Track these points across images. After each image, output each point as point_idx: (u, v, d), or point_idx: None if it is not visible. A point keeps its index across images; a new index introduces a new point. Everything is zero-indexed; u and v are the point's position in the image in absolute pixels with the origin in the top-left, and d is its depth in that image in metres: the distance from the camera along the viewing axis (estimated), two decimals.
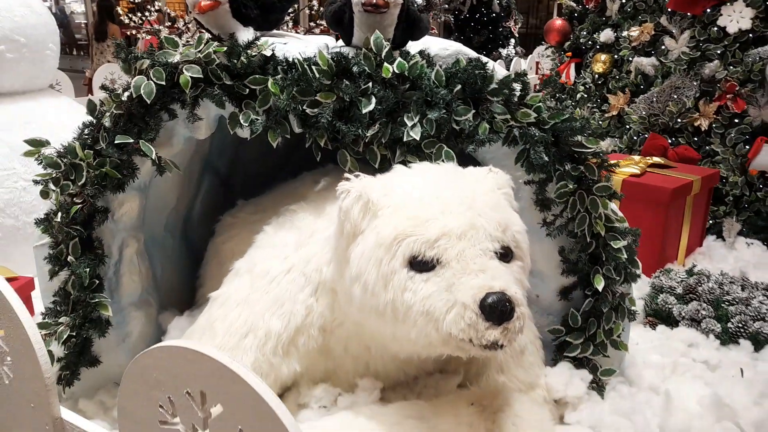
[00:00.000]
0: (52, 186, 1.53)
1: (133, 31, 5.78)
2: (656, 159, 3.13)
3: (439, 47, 1.72)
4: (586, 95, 3.92)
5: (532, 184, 1.69)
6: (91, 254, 1.55)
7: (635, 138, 3.58)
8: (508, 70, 6.28)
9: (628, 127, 3.63)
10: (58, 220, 1.50)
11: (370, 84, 1.54)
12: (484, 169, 1.44)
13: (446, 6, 5.49)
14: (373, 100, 1.53)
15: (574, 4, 4.11)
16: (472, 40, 6.34)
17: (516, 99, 1.62)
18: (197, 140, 1.71)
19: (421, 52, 1.63)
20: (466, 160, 1.62)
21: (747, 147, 3.26)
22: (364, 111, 1.52)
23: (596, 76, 3.85)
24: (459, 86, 1.60)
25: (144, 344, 1.75)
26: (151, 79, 1.48)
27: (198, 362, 0.72)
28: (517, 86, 1.62)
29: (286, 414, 0.66)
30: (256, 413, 0.67)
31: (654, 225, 2.76)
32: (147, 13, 5.76)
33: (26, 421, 0.99)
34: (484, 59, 1.66)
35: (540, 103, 1.63)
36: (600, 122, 3.77)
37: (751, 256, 3.06)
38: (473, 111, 1.60)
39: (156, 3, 5.84)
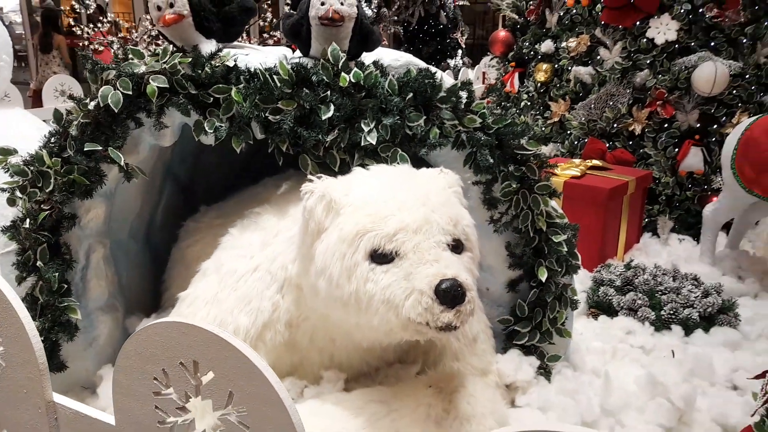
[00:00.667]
0: (19, 194, 1.57)
1: (85, 42, 5.70)
2: (595, 162, 3.34)
3: (392, 58, 1.85)
4: (529, 103, 4.14)
5: (480, 184, 1.82)
6: (59, 259, 1.59)
7: (576, 143, 3.80)
8: (456, 79, 6.50)
9: (569, 132, 3.85)
10: (26, 226, 1.54)
11: (329, 92, 1.64)
12: (436, 170, 1.56)
13: (395, 18, 5.65)
14: (332, 107, 1.64)
15: (517, 17, 4.33)
16: (421, 51, 6.52)
17: (463, 106, 1.76)
18: (160, 148, 1.77)
19: (375, 63, 1.74)
20: (419, 162, 1.74)
21: (676, 150, 3.52)
22: (323, 117, 1.62)
23: (539, 84, 4.07)
24: (411, 94, 1.72)
25: (111, 348, 1.79)
26: (118, 89, 1.54)
27: (190, 334, 0.80)
28: (464, 94, 1.76)
29: (272, 375, 0.75)
30: (244, 376, 0.76)
31: (594, 223, 2.96)
32: (99, 24, 5.70)
33: (20, 405, 1.04)
34: (434, 69, 1.79)
35: (485, 110, 1.77)
36: (543, 128, 3.98)
37: (682, 251, 3.30)
38: (424, 117, 1.72)
39: (108, 14, 5.78)
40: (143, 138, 1.66)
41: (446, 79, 1.80)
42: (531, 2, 4.20)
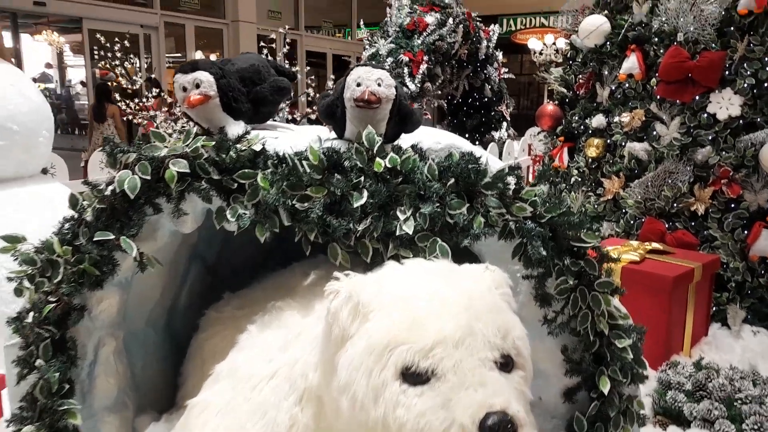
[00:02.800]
0: (26, 283, 1.46)
1: (129, 116, 5.89)
2: (655, 245, 3.08)
3: (432, 141, 1.71)
4: (580, 179, 3.93)
5: (531, 278, 1.62)
6: (63, 356, 1.45)
7: (632, 222, 3.56)
8: (502, 151, 6.38)
9: (624, 211, 3.61)
10: (30, 320, 1.42)
11: (362, 178, 1.50)
12: (481, 267, 1.37)
13: (439, 92, 5.63)
14: (365, 193, 1.49)
15: (565, 90, 4.20)
16: (465, 123, 6.47)
17: (510, 192, 1.58)
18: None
19: (413, 146, 1.60)
20: (462, 253, 1.56)
21: (746, 232, 3.23)
22: (355, 205, 1.47)
23: (590, 160, 3.88)
24: (452, 180, 1.56)
25: None
26: (137, 174, 1.44)
27: None
28: (512, 180, 1.59)
29: None
30: None
31: (657, 314, 2.68)
32: (144, 99, 5.90)
33: None
34: (478, 152, 1.64)
35: (535, 197, 1.59)
36: (596, 206, 3.76)
37: (757, 345, 2.96)
38: (467, 205, 1.56)
39: (153, 89, 5.99)
40: (162, 224, 1.54)
41: (493, 163, 1.63)
42: (580, 76, 4.08)
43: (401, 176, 1.56)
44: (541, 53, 13.94)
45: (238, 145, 1.48)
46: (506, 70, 6.59)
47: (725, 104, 3.29)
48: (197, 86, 1.50)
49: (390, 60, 4.74)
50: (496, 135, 6.62)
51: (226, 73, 1.60)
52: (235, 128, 1.54)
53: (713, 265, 3.03)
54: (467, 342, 1.12)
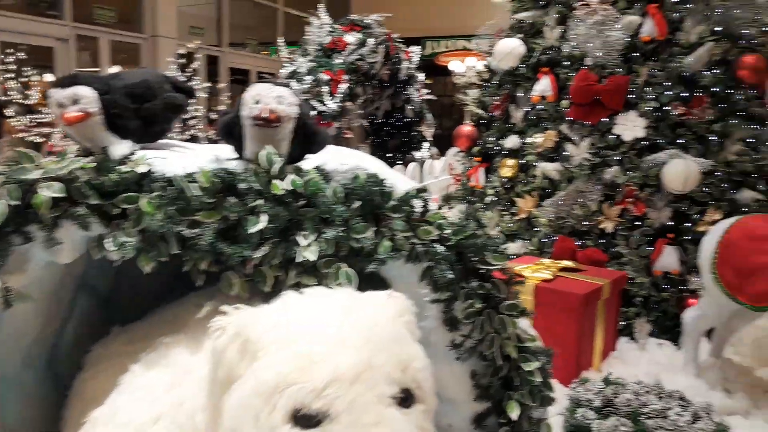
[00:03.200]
0: None
1: (21, 133, 5.50)
2: (566, 262, 3.15)
3: (338, 162, 1.64)
4: (495, 198, 3.99)
5: (439, 302, 1.58)
6: None
7: (545, 240, 3.63)
8: (423, 171, 6.43)
9: (536, 230, 3.68)
10: None
11: (260, 201, 1.41)
12: (384, 294, 1.31)
13: (361, 112, 5.62)
14: (263, 218, 1.40)
15: (482, 111, 4.27)
16: (386, 143, 6.48)
17: (417, 215, 1.54)
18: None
19: (317, 168, 1.54)
20: (370, 278, 1.50)
21: (650, 248, 3.36)
22: (251, 230, 1.38)
23: (504, 179, 3.95)
24: (358, 202, 1.50)
25: None
26: (4, 199, 1.29)
27: None
28: (418, 202, 1.55)
29: None
30: None
31: (568, 331, 2.72)
32: (37, 114, 5.53)
33: None
34: (384, 174, 1.59)
35: (442, 220, 1.55)
36: (510, 225, 3.82)
37: (663, 357, 3.07)
38: (373, 228, 1.50)
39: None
40: (34, 254, 1.39)
41: (400, 185, 1.59)
42: (496, 97, 4.16)
43: (304, 199, 1.48)
44: (462, 75, 14.30)
45: (121, 167, 1.36)
46: (427, 91, 6.68)
47: (630, 126, 3.43)
48: (75, 102, 1.37)
49: (310, 78, 4.68)
50: (417, 155, 6.67)
51: (112, 88, 1.48)
52: (120, 148, 1.42)
53: (621, 282, 3.12)
54: (364, 377, 1.04)
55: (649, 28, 3.35)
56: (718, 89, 3.30)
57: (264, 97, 1.48)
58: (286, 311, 1.18)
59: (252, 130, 1.49)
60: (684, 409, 2.22)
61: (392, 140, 6.66)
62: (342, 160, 1.68)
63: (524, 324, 1.68)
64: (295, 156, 1.58)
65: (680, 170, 3.15)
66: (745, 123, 3.33)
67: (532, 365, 1.60)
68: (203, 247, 1.34)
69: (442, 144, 8.66)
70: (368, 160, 1.74)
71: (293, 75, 4.73)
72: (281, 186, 1.43)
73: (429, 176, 6.43)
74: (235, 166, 1.48)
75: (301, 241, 1.43)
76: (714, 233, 2.59)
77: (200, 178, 1.37)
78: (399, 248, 1.51)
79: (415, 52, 6.17)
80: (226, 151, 1.68)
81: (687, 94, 3.31)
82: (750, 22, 3.28)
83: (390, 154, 7.05)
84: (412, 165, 5.95)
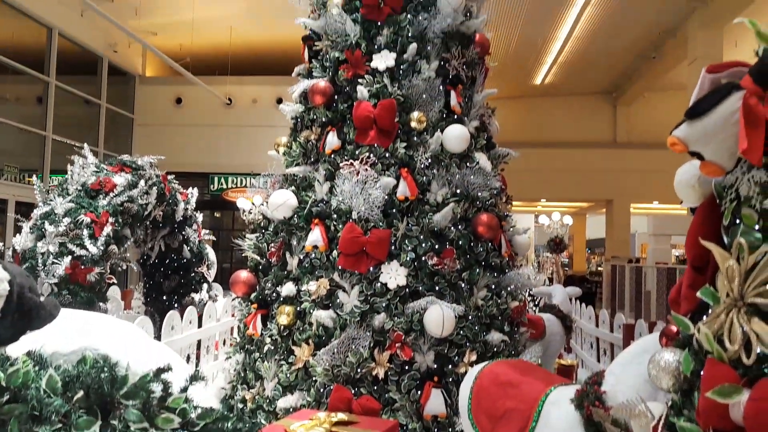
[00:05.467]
0: None
1: None
2: (341, 415, 3.10)
3: (63, 341, 1.44)
4: (273, 347, 3.89)
5: None
6: None
7: (321, 390, 3.58)
8: (202, 315, 6.09)
9: (314, 379, 3.63)
10: None
11: None
12: None
13: (127, 254, 5.24)
14: None
15: (259, 258, 4.25)
16: (162, 285, 6.08)
17: (156, 402, 1.39)
18: None
19: (30, 353, 1.32)
20: None
21: (419, 392, 3.49)
22: None
23: (282, 327, 3.88)
24: (81, 392, 1.31)
25: None
26: None
27: None
28: (157, 387, 1.40)
29: None
30: None
31: None
32: None
33: None
34: (116, 356, 1.42)
35: (185, 404, 1.42)
36: (288, 375, 3.71)
37: None
38: (100, 422, 1.30)
39: None
40: None
41: (134, 368, 1.43)
42: (272, 244, 4.19)
43: (9, 393, 1.24)
44: (249, 212, 14.44)
45: None
46: (207, 231, 6.54)
47: (394, 275, 3.67)
48: None
49: (67, 220, 4.27)
50: (197, 297, 6.35)
51: None
52: None
53: (393, 431, 3.15)
54: None
55: (403, 189, 3.74)
56: (462, 242, 3.74)
57: None
58: None
59: None
60: None
61: (168, 282, 6.27)
62: (70, 337, 1.48)
63: None
64: (5, 337, 1.35)
65: (437, 315, 3.42)
66: (488, 272, 3.80)
67: None
68: None
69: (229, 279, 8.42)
70: (102, 336, 1.56)
71: (47, 216, 4.28)
72: None
73: (209, 319, 6.10)
74: None
75: None
76: (467, 380, 2.79)
77: None
78: None
79: (193, 193, 6.07)
80: None
81: (438, 247, 3.69)
82: (482, 186, 3.86)
83: (166, 297, 6.61)
84: (190, 308, 5.60)
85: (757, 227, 1.40)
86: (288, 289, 3.96)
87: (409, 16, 3.98)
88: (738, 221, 1.46)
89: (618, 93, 22.12)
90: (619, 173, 21.25)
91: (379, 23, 3.99)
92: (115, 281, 5.11)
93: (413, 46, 3.90)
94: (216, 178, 19.22)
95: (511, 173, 4.53)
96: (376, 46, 3.97)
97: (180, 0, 15.18)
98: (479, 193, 3.86)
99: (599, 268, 25.39)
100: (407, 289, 3.68)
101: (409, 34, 3.95)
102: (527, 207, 26.30)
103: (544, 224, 19.65)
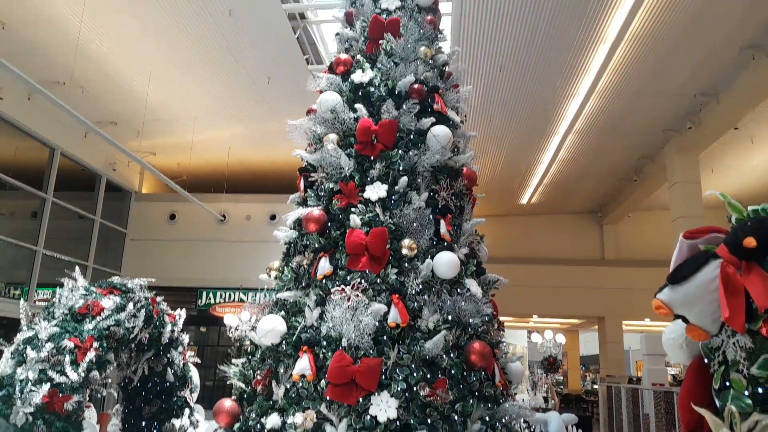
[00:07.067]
0: None
1: None
2: None
3: None
4: None
5: None
6: None
7: None
8: None
9: None
10: None
11: None
12: None
13: (109, 380, 5.06)
14: None
15: (244, 386, 4.12)
16: (142, 410, 5.81)
17: None
18: None
19: None
20: None
21: None
22: None
23: None
24: None
25: None
26: None
27: None
28: None
29: None
30: None
31: None
32: None
33: None
34: None
35: None
36: None
37: None
38: None
39: None
40: None
41: None
42: (258, 371, 4.08)
43: None
44: (236, 329, 14.13)
45: None
46: (192, 353, 6.37)
47: (384, 406, 3.55)
48: None
49: (50, 345, 4.16)
50: (178, 423, 6.04)
51: None
52: None
53: None
54: None
55: (394, 315, 3.72)
56: (455, 371, 3.66)
57: None
58: None
59: None
60: None
61: (149, 407, 5.99)
62: None
63: None
64: None
65: None
66: (481, 403, 3.68)
67: None
68: None
69: (216, 396, 8.03)
70: None
71: (30, 341, 4.17)
72: None
73: None
74: None
75: None
76: None
77: None
78: None
79: (180, 315, 5.99)
80: None
81: (430, 376, 3.60)
82: (474, 313, 3.85)
83: (145, 423, 6.28)
84: None
85: (746, 393, 1.41)
86: (273, 421, 3.80)
87: (400, 151, 4.19)
88: (728, 384, 1.47)
89: (603, 213, 22.72)
90: (609, 291, 21.28)
91: (372, 158, 4.19)
92: (91, 405, 4.88)
93: (404, 179, 4.06)
94: (204, 293, 19.01)
95: (503, 288, 4.55)
96: (369, 179, 4.13)
97: (181, 124, 15.86)
98: (471, 320, 3.84)
99: (594, 386, 24.67)
100: (398, 422, 3.54)
101: (401, 168, 4.13)
102: (519, 323, 26.01)
103: (537, 342, 19.34)
